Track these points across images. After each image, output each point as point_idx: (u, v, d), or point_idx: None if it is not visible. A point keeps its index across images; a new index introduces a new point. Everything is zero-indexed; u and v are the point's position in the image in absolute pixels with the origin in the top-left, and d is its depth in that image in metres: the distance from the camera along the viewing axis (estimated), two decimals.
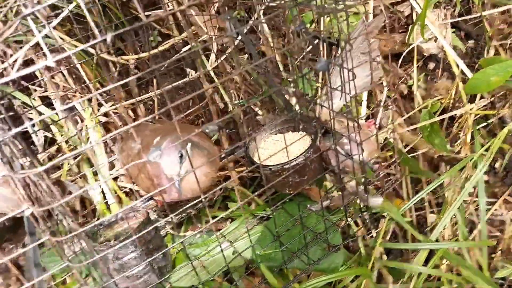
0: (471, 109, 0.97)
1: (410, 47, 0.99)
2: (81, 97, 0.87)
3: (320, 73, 0.92)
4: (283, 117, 0.75)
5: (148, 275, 0.52)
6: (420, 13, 0.93)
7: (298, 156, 0.63)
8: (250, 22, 0.85)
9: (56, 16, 0.84)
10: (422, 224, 1.01)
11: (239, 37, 0.85)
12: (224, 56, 0.93)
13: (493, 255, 0.97)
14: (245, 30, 0.73)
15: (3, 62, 0.74)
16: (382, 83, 0.99)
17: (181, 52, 0.96)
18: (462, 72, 0.95)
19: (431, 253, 0.85)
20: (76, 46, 0.84)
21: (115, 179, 0.86)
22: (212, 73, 0.93)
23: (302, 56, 0.93)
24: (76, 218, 0.86)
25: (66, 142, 0.84)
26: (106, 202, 0.83)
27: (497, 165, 1.03)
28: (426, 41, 1.01)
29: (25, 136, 0.86)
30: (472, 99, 1.00)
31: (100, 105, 0.90)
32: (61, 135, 0.86)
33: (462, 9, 1.04)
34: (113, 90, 0.86)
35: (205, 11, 0.93)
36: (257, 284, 0.63)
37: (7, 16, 0.83)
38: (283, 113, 0.79)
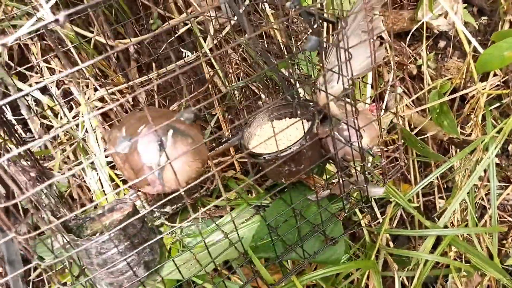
0: (483, 89, 0.92)
1: (419, 24, 0.94)
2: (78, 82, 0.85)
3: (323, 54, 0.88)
4: (280, 102, 0.71)
5: (134, 270, 0.50)
6: None
7: (293, 144, 0.59)
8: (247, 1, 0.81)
9: None
10: (431, 210, 0.98)
11: (235, 18, 0.81)
12: (222, 36, 0.89)
13: (504, 242, 0.94)
14: (241, 10, 0.69)
15: None
16: (390, 63, 0.94)
17: (178, 33, 0.92)
18: (474, 50, 0.90)
19: (439, 239, 0.82)
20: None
21: (113, 167, 0.85)
22: (208, 53, 0.90)
23: (305, 36, 0.89)
24: (74, 207, 0.85)
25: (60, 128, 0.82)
26: (104, 191, 0.82)
27: (509, 147, 0.99)
28: (436, 17, 0.96)
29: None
30: (484, 78, 0.95)
31: (95, 90, 0.88)
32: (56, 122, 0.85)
33: None
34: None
35: None
36: (252, 275, 0.60)
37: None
38: (284, 97, 0.75)
